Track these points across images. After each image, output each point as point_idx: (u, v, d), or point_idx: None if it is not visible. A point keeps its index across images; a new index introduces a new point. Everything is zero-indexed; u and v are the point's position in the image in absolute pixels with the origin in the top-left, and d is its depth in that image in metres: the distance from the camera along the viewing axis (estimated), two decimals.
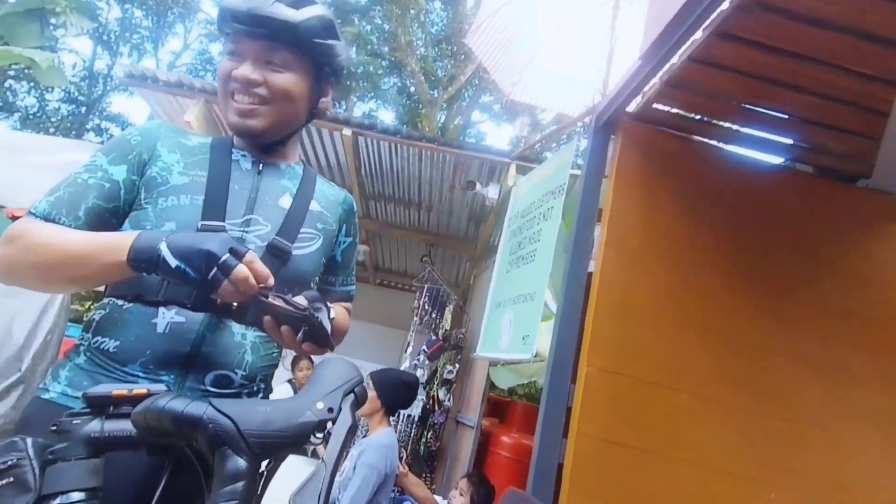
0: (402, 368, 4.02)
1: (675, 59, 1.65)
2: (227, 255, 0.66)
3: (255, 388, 0.86)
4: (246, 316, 0.75)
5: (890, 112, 1.55)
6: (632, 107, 1.89)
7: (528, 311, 2.06)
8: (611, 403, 1.56)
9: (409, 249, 5.73)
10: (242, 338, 0.83)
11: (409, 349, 4.14)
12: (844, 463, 1.57)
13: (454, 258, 5.64)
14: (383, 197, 4.49)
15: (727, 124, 1.94)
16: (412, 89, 14.30)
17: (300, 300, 0.73)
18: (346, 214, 1.04)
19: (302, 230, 0.90)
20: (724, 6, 1.41)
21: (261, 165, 0.93)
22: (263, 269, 0.69)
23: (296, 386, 4.07)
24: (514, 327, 2.16)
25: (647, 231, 1.74)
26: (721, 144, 1.99)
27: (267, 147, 0.95)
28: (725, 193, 1.84)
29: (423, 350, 3.86)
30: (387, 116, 16.04)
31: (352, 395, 0.59)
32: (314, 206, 0.95)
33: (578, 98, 3.19)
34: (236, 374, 0.81)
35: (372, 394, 2.12)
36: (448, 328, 4.17)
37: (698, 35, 1.53)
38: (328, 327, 0.73)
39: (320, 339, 0.72)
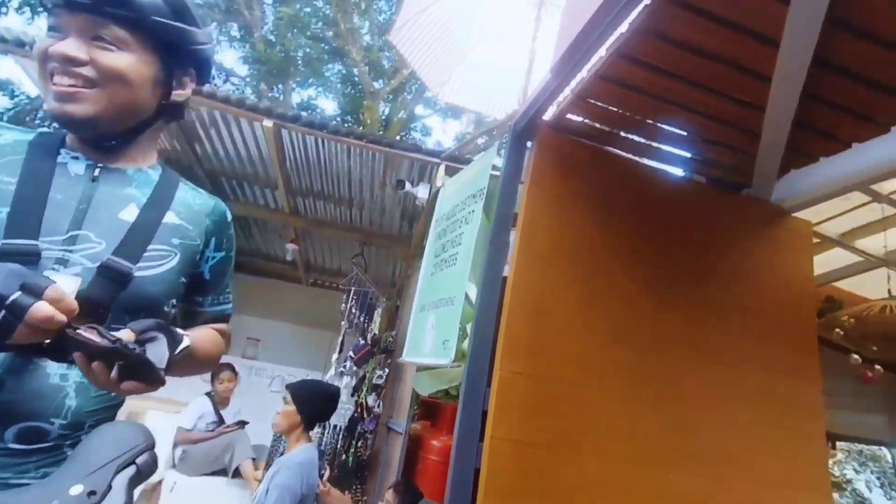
0: (327, 376, 3.95)
1: (584, 74, 1.79)
2: (18, 293, 0.55)
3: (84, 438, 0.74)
4: (66, 354, 0.63)
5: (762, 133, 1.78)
6: (548, 116, 2.01)
7: (449, 315, 2.12)
8: (524, 405, 1.66)
9: (343, 248, 5.66)
10: (62, 379, 0.70)
11: (336, 355, 4.08)
12: (729, 439, 1.80)
13: (388, 257, 5.64)
14: (312, 193, 4.40)
15: (634, 137, 2.12)
16: (357, 79, 14.04)
17: (124, 332, 0.64)
18: (216, 226, 0.93)
19: (150, 247, 0.79)
20: (623, 30, 1.55)
21: (97, 170, 0.80)
22: (71, 304, 0.60)
23: (216, 399, 3.87)
24: (437, 331, 2.22)
25: (559, 236, 1.87)
26: (629, 155, 2.17)
27: (106, 146, 0.82)
28: (632, 200, 2.01)
29: (350, 356, 3.83)
30: (329, 105, 15.60)
31: (132, 468, 0.50)
32: (171, 217, 0.84)
33: (508, 101, 3.31)
34: (52, 423, 0.70)
35: (291, 408, 2.07)
36: (377, 332, 4.17)
37: (603, 54, 1.67)
38: (161, 358, 0.64)
39: (142, 375, 0.63)
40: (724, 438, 1.78)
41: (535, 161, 1.94)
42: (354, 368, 3.79)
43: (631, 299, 1.88)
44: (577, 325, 1.79)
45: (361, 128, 14.07)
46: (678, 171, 2.37)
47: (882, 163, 1.73)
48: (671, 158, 2.19)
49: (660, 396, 1.80)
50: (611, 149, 2.13)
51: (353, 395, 3.71)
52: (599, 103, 1.92)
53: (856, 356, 3.61)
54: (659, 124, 2.01)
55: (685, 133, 2.04)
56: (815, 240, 3.43)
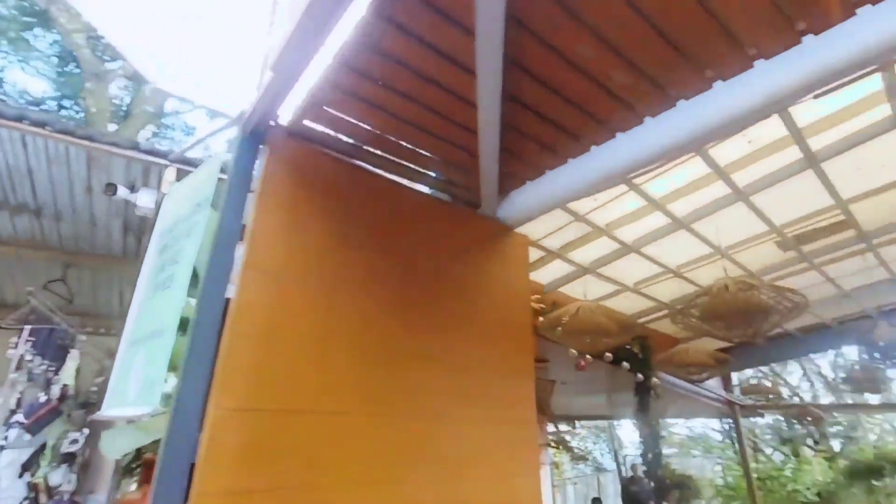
0: None
1: (315, 81, 1.79)
2: None
3: None
4: None
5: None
6: (285, 121, 1.95)
7: (159, 349, 1.82)
8: (245, 447, 1.52)
9: (36, 272, 4.37)
10: None
11: None
12: (458, 443, 2.00)
13: (110, 281, 4.63)
14: None
15: (380, 152, 2.24)
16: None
17: None
18: None
19: None
20: (346, 38, 1.60)
21: None
22: None
23: None
24: (144, 372, 1.87)
25: (294, 251, 1.80)
26: (377, 169, 2.28)
27: None
28: (376, 216, 2.10)
29: (18, 422, 2.87)
30: (37, 85, 12.28)
31: None
32: None
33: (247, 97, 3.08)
34: None
35: None
36: (71, 382, 3.27)
37: (330, 61, 1.70)
38: None
39: None
40: (457, 442, 1.98)
41: (269, 168, 1.85)
42: (27, 437, 2.86)
43: (374, 317, 1.94)
44: (314, 348, 1.75)
45: (84, 116, 11.46)
46: (425, 189, 2.61)
47: (568, 188, 2.24)
48: (418, 176, 2.39)
49: (399, 412, 1.89)
50: (360, 163, 2.19)
51: (22, 475, 2.78)
52: (338, 113, 1.95)
53: (572, 350, 4.62)
54: (400, 141, 2.16)
55: (423, 152, 2.25)
56: (542, 253, 4.30)
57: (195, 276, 1.86)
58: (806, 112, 2.73)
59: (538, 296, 4.49)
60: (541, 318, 3.55)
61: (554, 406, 6.91)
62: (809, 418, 6.58)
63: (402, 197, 2.28)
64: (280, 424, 1.60)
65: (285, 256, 1.78)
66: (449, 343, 2.14)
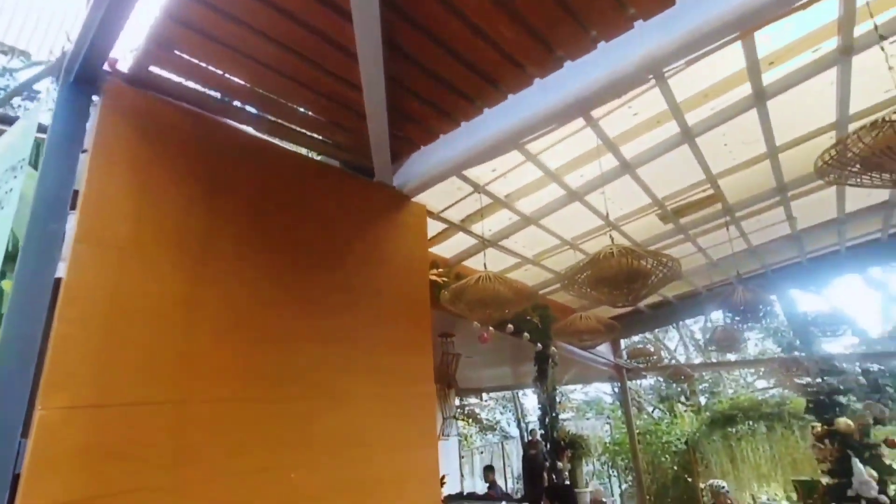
0: None
1: (157, 15, 1.53)
2: None
3: None
4: None
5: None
6: (126, 67, 1.66)
7: None
8: (86, 449, 1.32)
9: None
10: None
11: None
12: (352, 422, 1.93)
13: None
14: None
15: (253, 109, 2.01)
16: None
17: None
18: None
19: None
20: None
21: None
22: None
23: None
24: None
25: (144, 221, 1.57)
26: (251, 129, 2.05)
27: None
28: (248, 180, 1.89)
29: None
30: None
31: None
32: None
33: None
34: None
35: None
36: None
37: None
38: None
39: None
40: (345, 421, 1.90)
41: (105, 122, 1.58)
42: None
43: (251, 293, 1.77)
44: (173, 331, 1.55)
45: None
46: (313, 155, 2.42)
47: (463, 152, 2.20)
48: (302, 139, 2.19)
49: (283, 395, 1.76)
50: (230, 121, 1.95)
51: None
52: (194, 59, 1.70)
53: (476, 322, 4.72)
54: (275, 97, 1.96)
55: (305, 111, 2.06)
56: (444, 225, 4.30)
57: (14, 254, 1.56)
58: (683, 87, 2.97)
59: (441, 269, 4.50)
60: (445, 292, 3.54)
61: (460, 379, 7.10)
62: (682, 377, 7.48)
63: (285, 162, 2.08)
64: (135, 420, 1.41)
65: (133, 227, 1.55)
66: (341, 319, 2.03)
